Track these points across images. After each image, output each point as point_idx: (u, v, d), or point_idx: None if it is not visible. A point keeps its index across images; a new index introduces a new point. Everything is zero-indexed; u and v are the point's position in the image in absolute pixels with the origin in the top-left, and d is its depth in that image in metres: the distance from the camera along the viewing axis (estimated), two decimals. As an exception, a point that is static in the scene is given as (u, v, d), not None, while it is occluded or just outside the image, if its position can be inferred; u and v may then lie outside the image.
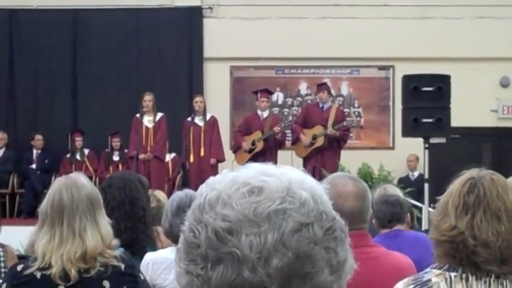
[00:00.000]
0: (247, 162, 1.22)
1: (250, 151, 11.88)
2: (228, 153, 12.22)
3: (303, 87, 13.93)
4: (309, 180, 1.18)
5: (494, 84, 13.65)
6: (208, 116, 12.10)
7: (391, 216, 4.66)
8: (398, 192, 5.14)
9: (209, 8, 13.82)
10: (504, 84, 13.71)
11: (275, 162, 1.85)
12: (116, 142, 12.89)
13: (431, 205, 7.96)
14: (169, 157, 12.46)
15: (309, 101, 13.56)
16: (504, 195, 2.39)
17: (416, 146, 10.32)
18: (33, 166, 12.94)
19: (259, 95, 12.17)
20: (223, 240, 1.11)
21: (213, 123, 12.11)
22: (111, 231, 3.19)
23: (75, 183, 3.18)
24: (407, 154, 12.86)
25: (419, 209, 9.00)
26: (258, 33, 13.36)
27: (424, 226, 7.95)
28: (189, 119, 12.08)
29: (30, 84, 13.67)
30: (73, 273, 3.06)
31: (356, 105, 13.88)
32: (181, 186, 11.05)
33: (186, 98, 13.36)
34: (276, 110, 13.49)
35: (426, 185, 9.02)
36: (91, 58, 13.65)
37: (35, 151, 13.12)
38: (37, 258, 3.09)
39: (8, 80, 13.67)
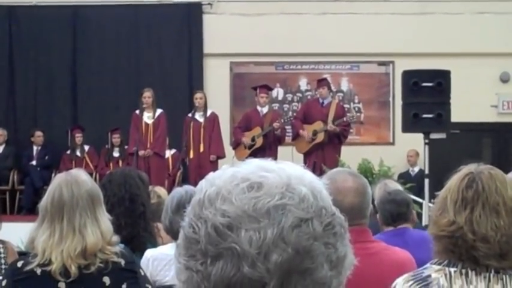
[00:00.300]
0: (247, 158, 1.21)
1: (249, 147, 11.88)
2: (228, 149, 12.20)
3: (303, 83, 13.91)
4: (308, 175, 1.19)
5: (494, 79, 13.62)
6: (208, 112, 12.09)
7: (398, 216, 4.62)
8: (399, 188, 5.14)
9: (209, 3, 13.79)
10: (504, 79, 13.69)
11: (275, 158, 1.84)
12: (116, 138, 12.87)
13: (432, 200, 7.95)
14: (169, 153, 12.46)
15: (309, 97, 13.54)
16: (502, 189, 2.39)
17: (416, 141, 10.32)
18: (34, 162, 12.91)
19: (258, 90, 12.17)
20: (222, 235, 1.11)
21: (213, 120, 12.08)
22: (111, 228, 3.19)
23: (75, 180, 3.18)
24: (407, 149, 12.85)
25: (420, 205, 9.00)
26: (257, 29, 13.33)
27: (424, 222, 7.95)
28: (190, 114, 12.08)
29: (30, 80, 13.65)
30: (73, 269, 3.06)
31: (356, 100, 13.86)
32: (181, 182, 11.05)
33: (185, 94, 13.35)
34: (276, 105, 13.48)
35: (426, 181, 9.01)
36: (90, 54, 13.63)
37: (35, 147, 13.09)
38: (37, 255, 3.09)
39: (7, 76, 13.64)
